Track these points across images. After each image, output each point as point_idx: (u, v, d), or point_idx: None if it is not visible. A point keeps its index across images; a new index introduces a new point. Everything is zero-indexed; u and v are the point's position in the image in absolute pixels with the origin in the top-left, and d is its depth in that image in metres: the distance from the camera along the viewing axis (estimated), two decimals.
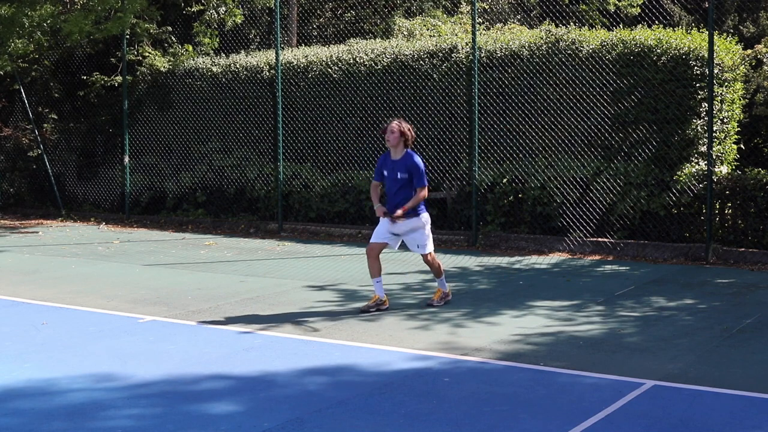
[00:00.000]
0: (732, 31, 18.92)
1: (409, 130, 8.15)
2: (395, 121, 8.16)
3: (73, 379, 6.07)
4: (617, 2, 17.76)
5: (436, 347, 6.88)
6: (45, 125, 17.74)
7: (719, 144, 11.91)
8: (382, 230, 8.27)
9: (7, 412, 5.38)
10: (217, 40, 16.52)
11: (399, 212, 8.06)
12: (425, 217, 8.26)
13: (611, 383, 5.90)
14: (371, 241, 8.33)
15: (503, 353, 6.70)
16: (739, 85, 12.44)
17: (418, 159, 8.18)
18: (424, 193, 8.14)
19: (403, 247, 8.54)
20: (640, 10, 17.19)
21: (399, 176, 8.12)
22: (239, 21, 16.68)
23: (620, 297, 8.82)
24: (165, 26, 16.85)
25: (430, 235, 8.34)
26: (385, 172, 8.25)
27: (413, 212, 8.16)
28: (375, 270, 8.25)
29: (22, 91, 17.44)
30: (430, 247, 8.29)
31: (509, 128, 12.68)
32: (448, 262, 11.20)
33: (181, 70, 16.01)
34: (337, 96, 14.22)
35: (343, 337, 7.27)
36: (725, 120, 12.11)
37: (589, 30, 13.11)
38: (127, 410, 5.41)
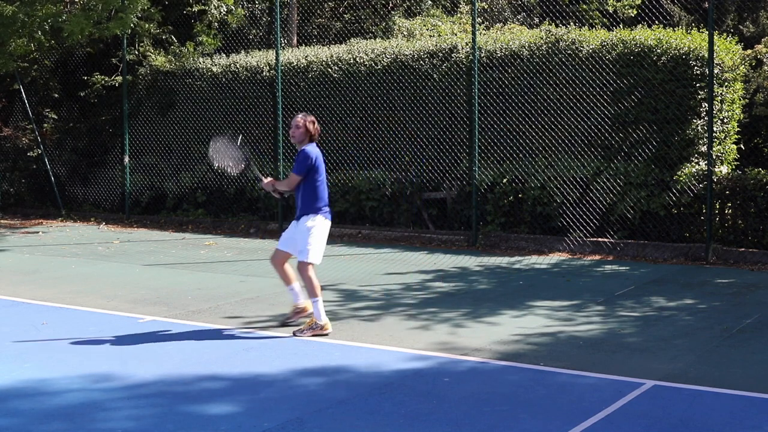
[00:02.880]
0: (732, 31, 18.92)
1: (313, 123, 7.48)
2: (300, 115, 7.52)
3: (73, 379, 6.07)
4: (615, 3, 17.75)
5: (436, 347, 6.88)
6: (45, 125, 17.74)
7: (719, 144, 11.91)
8: (288, 235, 7.58)
9: (7, 413, 5.37)
10: (218, 40, 16.51)
11: (266, 180, 7.56)
12: (316, 220, 7.37)
13: (611, 383, 5.90)
14: (277, 247, 7.62)
15: (503, 353, 6.70)
16: (739, 85, 12.44)
17: (308, 148, 7.43)
18: (291, 179, 7.38)
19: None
20: (636, 12, 17.15)
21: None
22: (236, 22, 16.68)
23: (620, 297, 8.82)
24: (166, 26, 16.85)
25: (315, 245, 7.32)
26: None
27: (308, 211, 7.37)
28: (284, 278, 7.59)
29: (22, 91, 17.44)
30: (311, 256, 7.30)
31: (509, 128, 12.68)
32: (450, 262, 11.20)
33: (182, 70, 16.01)
34: (337, 96, 14.22)
35: (343, 337, 7.27)
36: (725, 120, 12.11)
37: (589, 30, 13.11)
38: (127, 410, 5.41)
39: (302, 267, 7.32)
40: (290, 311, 7.77)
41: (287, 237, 7.58)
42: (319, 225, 7.39)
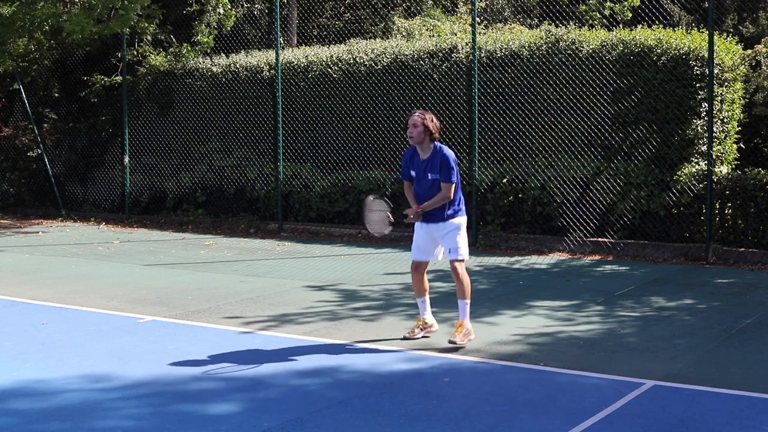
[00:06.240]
0: (732, 31, 18.91)
1: (432, 120, 7.06)
2: (417, 113, 7.08)
3: (73, 379, 6.07)
4: (612, 5, 17.70)
5: (436, 347, 6.88)
6: (45, 125, 17.73)
7: (719, 144, 11.90)
8: (422, 242, 7.15)
9: (7, 412, 5.37)
10: (213, 38, 16.47)
11: (412, 212, 7.03)
12: (462, 219, 7.11)
13: (611, 383, 5.90)
14: (414, 258, 7.22)
15: (503, 353, 6.70)
16: (739, 85, 12.43)
17: (448, 152, 7.08)
18: (449, 192, 6.95)
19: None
20: (632, 14, 17.11)
21: (430, 177, 7.02)
22: (232, 24, 16.68)
23: (620, 297, 8.82)
24: (165, 26, 16.85)
25: (464, 242, 7.09)
26: (413, 173, 7.14)
27: (450, 214, 7.02)
28: (420, 289, 7.23)
29: (22, 91, 17.44)
30: (464, 253, 7.06)
31: (509, 128, 12.68)
32: (447, 262, 11.18)
33: (181, 70, 16.01)
34: (337, 96, 14.22)
35: (343, 337, 7.27)
36: (725, 120, 12.10)
37: (589, 30, 13.11)
38: (126, 410, 5.41)
39: (457, 265, 7.02)
40: (417, 325, 7.23)
41: (422, 245, 7.15)
42: (464, 223, 7.14)
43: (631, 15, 17.13)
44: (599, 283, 9.71)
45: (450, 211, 7.04)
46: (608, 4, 17.43)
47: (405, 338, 7.13)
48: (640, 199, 11.57)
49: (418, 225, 7.14)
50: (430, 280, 9.78)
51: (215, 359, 6.57)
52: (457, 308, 7.09)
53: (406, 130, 7.16)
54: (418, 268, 7.21)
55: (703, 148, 11.46)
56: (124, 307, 8.54)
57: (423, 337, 7.15)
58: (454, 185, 7.00)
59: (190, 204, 15.82)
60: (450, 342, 6.87)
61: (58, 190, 17.39)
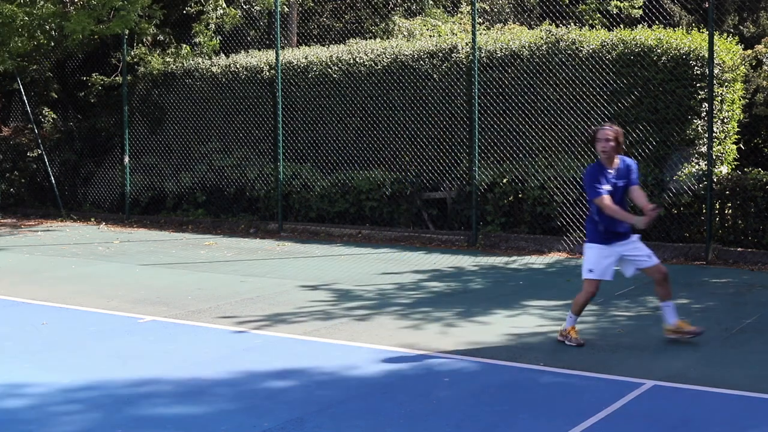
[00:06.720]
0: (732, 31, 18.91)
1: (622, 134, 6.92)
2: (607, 126, 6.90)
3: (73, 379, 6.07)
4: (618, 3, 17.69)
5: (436, 347, 6.88)
6: (45, 125, 17.73)
7: (719, 144, 11.90)
8: (609, 262, 7.00)
9: (6, 413, 5.37)
10: (217, 41, 16.47)
11: (652, 209, 6.85)
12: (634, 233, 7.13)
13: (611, 383, 5.90)
14: (598, 277, 6.96)
15: (504, 353, 6.70)
16: (739, 85, 12.42)
17: (631, 160, 7.06)
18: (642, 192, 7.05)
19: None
20: (641, 12, 17.10)
21: (620, 184, 6.95)
22: (234, 23, 16.67)
23: (620, 297, 8.82)
24: (165, 27, 16.84)
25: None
26: (608, 186, 6.95)
27: (630, 229, 7.09)
28: (584, 306, 7.10)
29: (22, 90, 17.44)
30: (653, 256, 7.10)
31: (509, 128, 12.68)
32: (447, 262, 11.20)
33: (181, 71, 16.01)
34: (337, 96, 14.22)
35: (342, 337, 7.27)
36: (725, 120, 12.10)
37: (589, 30, 13.11)
38: (126, 410, 5.41)
39: (659, 268, 7.06)
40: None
41: (609, 264, 7.00)
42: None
43: (638, 11, 17.08)
44: None
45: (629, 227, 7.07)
46: (614, 2, 17.41)
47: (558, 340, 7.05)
48: None
49: (598, 247, 7.00)
50: (425, 279, 9.83)
51: (215, 359, 6.57)
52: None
53: (594, 143, 6.93)
54: (597, 288, 7.00)
55: (703, 148, 11.46)
56: (124, 307, 8.54)
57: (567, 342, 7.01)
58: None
59: (189, 204, 15.82)
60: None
61: (58, 190, 17.39)
